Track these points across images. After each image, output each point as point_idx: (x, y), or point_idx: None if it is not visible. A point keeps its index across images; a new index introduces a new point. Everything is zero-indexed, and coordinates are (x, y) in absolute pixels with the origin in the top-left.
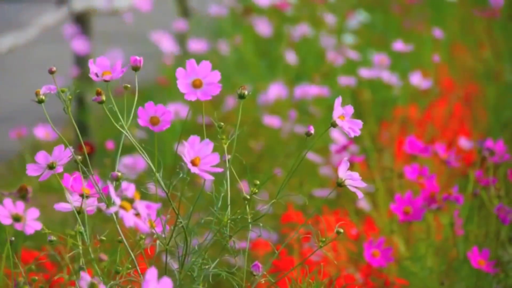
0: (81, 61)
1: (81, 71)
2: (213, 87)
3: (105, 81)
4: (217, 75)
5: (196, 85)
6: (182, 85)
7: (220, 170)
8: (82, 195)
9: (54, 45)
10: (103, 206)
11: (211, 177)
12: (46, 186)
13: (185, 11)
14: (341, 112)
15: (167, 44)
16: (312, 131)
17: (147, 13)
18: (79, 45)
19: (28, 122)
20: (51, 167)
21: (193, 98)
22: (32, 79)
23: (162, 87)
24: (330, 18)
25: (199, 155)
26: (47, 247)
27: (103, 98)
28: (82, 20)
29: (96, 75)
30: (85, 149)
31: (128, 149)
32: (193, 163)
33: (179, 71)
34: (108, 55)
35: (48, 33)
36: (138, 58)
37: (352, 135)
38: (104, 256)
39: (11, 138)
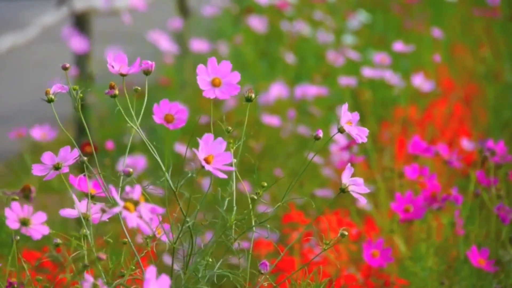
0: (80, 61)
1: (80, 71)
2: (232, 88)
3: (122, 74)
4: (236, 76)
5: (216, 83)
6: (202, 81)
7: (232, 168)
8: (88, 196)
9: (54, 45)
10: (107, 207)
11: (224, 176)
12: (46, 186)
13: (184, 11)
14: (349, 118)
15: (165, 44)
16: (321, 135)
17: (147, 13)
18: (77, 43)
19: (28, 122)
20: (56, 167)
21: (211, 95)
22: (32, 79)
23: (162, 87)
24: (328, 20)
25: (212, 153)
26: (49, 247)
27: (116, 92)
28: (82, 20)
29: (113, 67)
30: (88, 149)
31: (129, 149)
32: (207, 160)
33: (200, 67)
34: (108, 53)
35: (48, 33)
36: (150, 62)
37: (360, 141)
38: (103, 255)
39: (11, 138)
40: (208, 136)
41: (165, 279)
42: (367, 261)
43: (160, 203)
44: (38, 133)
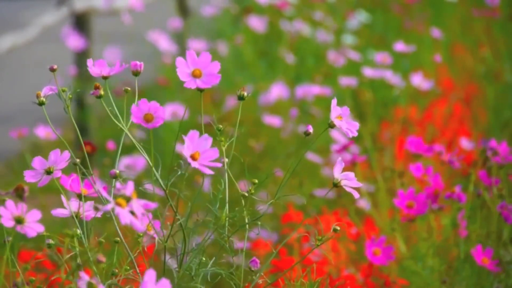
0: (80, 60)
1: (80, 71)
2: (213, 77)
3: (104, 77)
4: (216, 66)
5: (196, 75)
6: (182, 73)
7: (219, 164)
8: (80, 197)
9: (54, 45)
10: (100, 205)
11: (211, 172)
12: (46, 186)
13: (184, 11)
14: (339, 112)
15: (164, 44)
16: (311, 131)
17: (147, 13)
18: (74, 41)
19: (28, 122)
20: (48, 172)
21: (192, 86)
22: (31, 79)
23: (161, 87)
24: (328, 20)
25: (198, 149)
26: (46, 247)
27: (102, 92)
28: (82, 20)
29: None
30: (86, 149)
31: (128, 149)
32: (193, 157)
33: (179, 60)
34: (106, 53)
35: (48, 33)
36: (138, 63)
37: (350, 135)
38: (102, 258)
39: (11, 138)
40: (193, 133)
41: (165, 283)
42: (369, 259)
43: (160, 203)
44: (43, 132)
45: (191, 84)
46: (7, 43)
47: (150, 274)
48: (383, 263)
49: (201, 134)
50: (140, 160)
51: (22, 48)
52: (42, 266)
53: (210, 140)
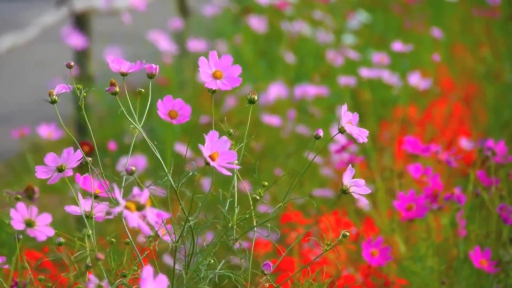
0: (80, 61)
1: (80, 71)
2: (233, 80)
3: (122, 74)
4: (237, 69)
5: (217, 76)
6: (204, 74)
7: (237, 167)
8: (92, 196)
9: (54, 45)
10: (109, 207)
11: (229, 173)
12: (46, 186)
13: (184, 11)
14: (349, 118)
15: (164, 44)
16: (321, 134)
17: (147, 13)
18: (76, 40)
19: (27, 122)
20: (60, 170)
21: (213, 86)
22: (31, 79)
23: (161, 87)
24: (328, 20)
25: (217, 150)
26: (50, 247)
27: (117, 89)
28: (82, 20)
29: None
30: (84, 149)
31: (128, 149)
32: (211, 157)
33: (202, 60)
34: (106, 53)
35: (48, 33)
36: (154, 66)
37: (361, 141)
38: (101, 255)
39: (11, 138)
40: (213, 133)
41: (163, 278)
42: (367, 260)
43: (161, 203)
44: (45, 131)
45: (212, 84)
46: (7, 43)
47: (148, 270)
48: (381, 263)
49: (202, 136)
50: (140, 160)
51: (22, 48)
52: (44, 266)
53: (229, 143)
